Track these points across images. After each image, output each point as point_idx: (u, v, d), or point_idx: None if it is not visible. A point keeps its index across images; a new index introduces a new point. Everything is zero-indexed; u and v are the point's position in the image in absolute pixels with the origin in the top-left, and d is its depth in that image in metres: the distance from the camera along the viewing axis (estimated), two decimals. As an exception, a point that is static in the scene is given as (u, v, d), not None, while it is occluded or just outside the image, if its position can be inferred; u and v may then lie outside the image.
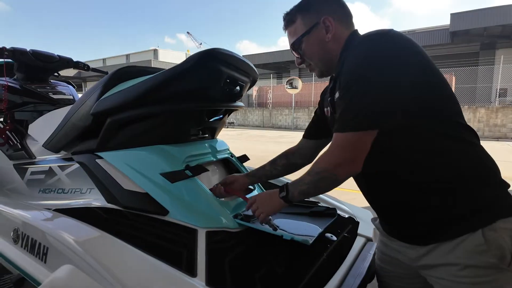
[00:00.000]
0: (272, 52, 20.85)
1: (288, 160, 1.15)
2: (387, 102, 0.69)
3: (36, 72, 1.72)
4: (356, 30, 0.90)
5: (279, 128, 17.43)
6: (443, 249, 0.73)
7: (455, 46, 15.85)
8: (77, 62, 1.87)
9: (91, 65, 2.07)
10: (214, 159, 1.14)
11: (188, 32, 51.63)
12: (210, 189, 1.04)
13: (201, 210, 0.96)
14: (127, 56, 39.19)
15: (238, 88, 1.06)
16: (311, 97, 16.93)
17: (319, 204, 1.26)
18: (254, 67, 1.10)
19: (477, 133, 0.78)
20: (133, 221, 0.96)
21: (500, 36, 14.32)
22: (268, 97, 19.02)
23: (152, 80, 0.95)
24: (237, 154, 1.33)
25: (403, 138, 0.74)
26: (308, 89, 16.86)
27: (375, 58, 0.70)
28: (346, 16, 0.89)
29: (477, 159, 0.75)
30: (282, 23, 0.94)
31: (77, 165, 1.18)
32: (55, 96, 1.66)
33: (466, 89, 13.13)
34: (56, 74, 1.88)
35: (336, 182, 0.77)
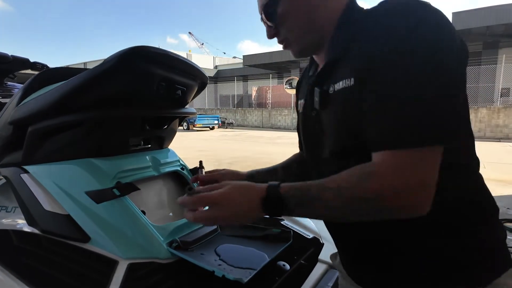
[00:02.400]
0: (273, 52, 20.69)
1: (303, 170, 0.86)
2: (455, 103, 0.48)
3: None
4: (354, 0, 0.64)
5: (278, 128, 17.28)
6: None
7: (457, 45, 15.55)
8: (34, 63, 1.74)
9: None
10: (157, 174, 1.00)
11: (190, 32, 51.51)
12: (181, 201, 0.56)
13: (128, 237, 0.82)
14: (128, 56, 39.03)
15: (179, 92, 0.91)
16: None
17: (281, 222, 1.11)
18: (200, 68, 0.95)
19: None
20: (48, 249, 0.82)
21: (503, 35, 14.07)
22: (267, 97, 18.87)
23: (70, 84, 0.81)
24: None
25: None
26: (308, 89, 16.68)
27: (443, 31, 0.47)
28: None
29: (482, 192, 0.58)
30: None
31: (4, 180, 1.04)
32: (3, 100, 1.53)
33: (468, 89, 12.85)
34: (11, 75, 1.75)
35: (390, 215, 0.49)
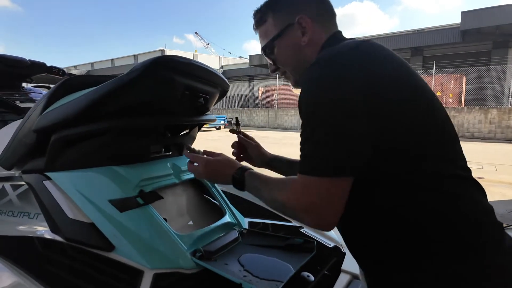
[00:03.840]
0: (278, 52, 20.61)
1: None
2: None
3: (4, 78, 1.60)
4: (338, 32, 0.74)
5: (285, 129, 17.24)
6: None
7: (466, 45, 15.40)
8: (51, 67, 1.75)
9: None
10: (178, 181, 1.00)
11: (196, 33, 51.72)
12: (185, 153, 0.88)
13: (152, 246, 0.82)
14: (135, 56, 39.45)
15: (201, 100, 0.91)
16: (317, 97, 16.66)
17: (301, 230, 1.10)
18: (222, 76, 0.95)
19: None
20: (73, 257, 0.83)
21: (513, 35, 13.85)
22: (273, 98, 18.84)
23: (96, 93, 0.81)
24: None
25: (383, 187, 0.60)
26: (314, 89, 16.61)
27: (321, 93, 0.59)
28: (326, 14, 0.74)
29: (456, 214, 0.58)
30: None
31: (26, 186, 1.05)
32: (22, 105, 1.54)
33: (478, 90, 12.73)
34: (29, 80, 1.77)
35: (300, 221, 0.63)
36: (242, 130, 1.05)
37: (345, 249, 1.06)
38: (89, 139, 0.89)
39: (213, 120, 1.06)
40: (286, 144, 10.00)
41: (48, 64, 1.73)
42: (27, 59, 1.66)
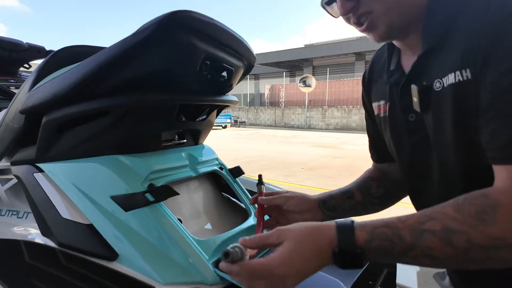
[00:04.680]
0: (285, 50, 20.45)
1: (386, 190, 0.69)
2: None
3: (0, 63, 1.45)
4: None
5: (292, 127, 17.04)
6: None
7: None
8: (50, 51, 1.60)
9: None
10: (194, 174, 0.83)
11: (201, 31, 51.40)
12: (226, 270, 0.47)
13: (165, 254, 0.65)
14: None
15: (224, 74, 0.74)
16: (325, 95, 16.45)
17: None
18: (248, 44, 0.77)
19: None
20: (65, 268, 0.66)
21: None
22: (280, 96, 18.65)
23: (94, 61, 0.64)
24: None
25: None
26: (322, 87, 16.41)
27: None
28: None
29: None
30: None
31: (16, 179, 0.89)
32: (17, 91, 1.39)
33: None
34: (26, 65, 1.62)
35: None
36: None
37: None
38: (87, 122, 0.72)
39: (236, 103, 0.88)
40: (296, 142, 9.81)
41: (48, 48, 1.58)
42: (25, 42, 1.51)
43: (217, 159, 0.94)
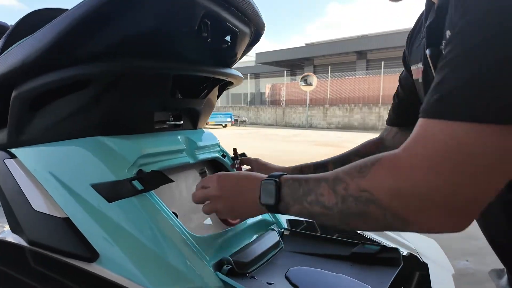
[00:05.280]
0: (286, 49, 20.34)
1: (374, 151, 0.73)
2: None
3: None
4: None
5: (293, 126, 16.93)
6: None
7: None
8: None
9: None
10: (192, 161, 0.71)
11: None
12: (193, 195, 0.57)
13: (156, 255, 0.53)
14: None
15: (228, 39, 0.62)
16: (327, 94, 16.34)
17: (365, 237, 0.80)
18: (257, 7, 0.66)
19: None
20: (36, 272, 0.55)
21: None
22: (281, 95, 18.54)
23: (67, 19, 0.52)
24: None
25: None
26: (323, 86, 16.31)
27: None
28: None
29: None
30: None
31: (-13, 168, 0.77)
32: None
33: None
34: None
35: (401, 228, 0.35)
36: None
37: (422, 257, 0.77)
38: (64, 96, 0.61)
39: (241, 79, 0.76)
40: (298, 141, 9.69)
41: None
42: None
43: (218, 145, 0.82)
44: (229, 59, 0.69)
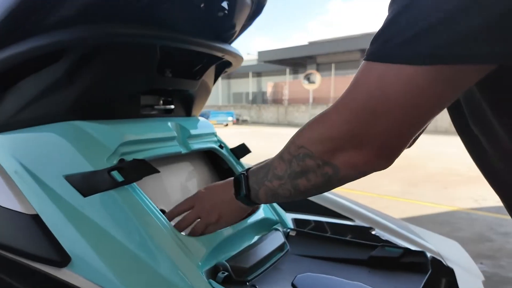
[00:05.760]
0: (289, 47, 20.22)
1: None
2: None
3: None
4: None
5: (296, 125, 16.81)
6: None
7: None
8: None
9: None
10: (185, 151, 0.62)
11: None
12: (170, 212, 0.51)
13: (139, 259, 0.44)
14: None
15: (225, 5, 0.53)
16: (330, 93, 16.21)
17: (372, 233, 0.71)
18: None
19: None
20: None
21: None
22: (283, 93, 18.45)
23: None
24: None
25: None
26: (327, 84, 16.18)
27: None
28: None
29: None
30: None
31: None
32: None
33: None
34: None
35: (335, 177, 0.37)
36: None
37: (446, 261, 0.67)
38: (35, 72, 0.52)
39: (241, 59, 0.68)
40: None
41: None
42: None
43: (215, 134, 0.73)
44: (226, 32, 0.60)
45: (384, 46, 0.30)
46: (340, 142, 0.34)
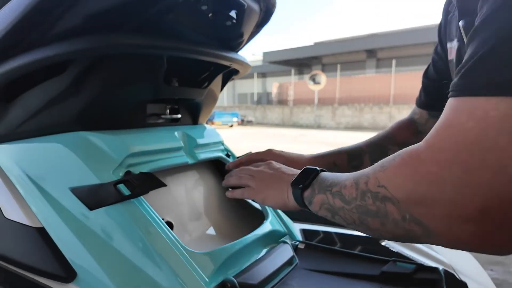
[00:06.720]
0: (294, 48, 20.18)
1: (410, 138, 0.64)
2: None
3: None
4: None
5: (301, 126, 16.76)
6: None
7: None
8: None
9: None
10: (191, 161, 0.61)
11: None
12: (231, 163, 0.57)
13: (145, 274, 0.44)
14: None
15: (233, 15, 0.51)
16: (335, 93, 16.12)
17: (382, 244, 0.70)
18: None
19: None
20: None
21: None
22: (288, 94, 18.40)
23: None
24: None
25: None
26: (332, 85, 16.09)
27: None
28: None
29: None
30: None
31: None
32: None
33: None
34: None
35: (425, 240, 0.31)
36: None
37: (459, 274, 0.66)
38: (40, 83, 0.52)
39: (248, 66, 0.66)
40: (306, 141, 9.56)
41: None
42: None
43: (222, 143, 0.72)
44: (234, 40, 0.59)
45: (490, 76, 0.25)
46: (444, 206, 0.26)
